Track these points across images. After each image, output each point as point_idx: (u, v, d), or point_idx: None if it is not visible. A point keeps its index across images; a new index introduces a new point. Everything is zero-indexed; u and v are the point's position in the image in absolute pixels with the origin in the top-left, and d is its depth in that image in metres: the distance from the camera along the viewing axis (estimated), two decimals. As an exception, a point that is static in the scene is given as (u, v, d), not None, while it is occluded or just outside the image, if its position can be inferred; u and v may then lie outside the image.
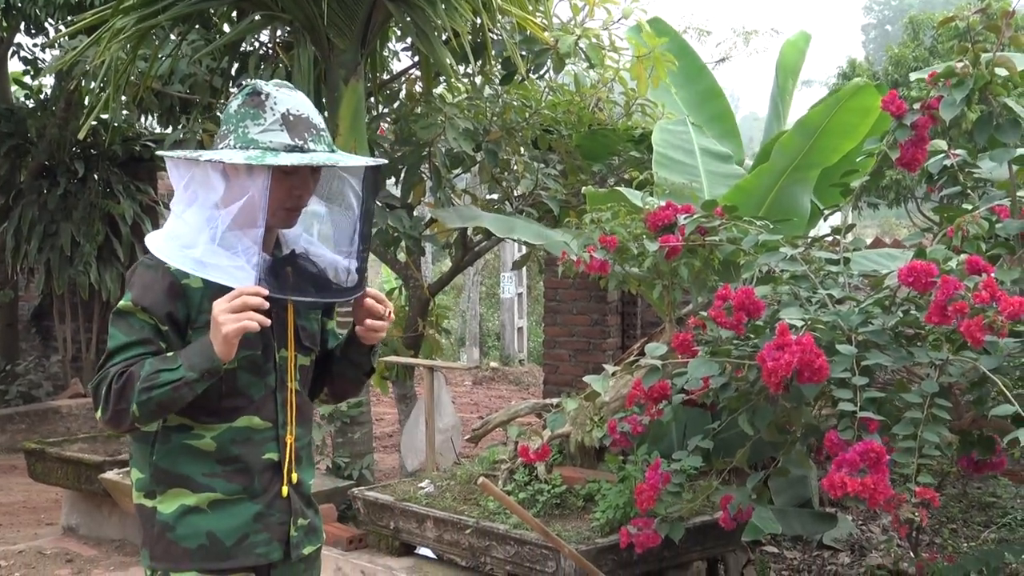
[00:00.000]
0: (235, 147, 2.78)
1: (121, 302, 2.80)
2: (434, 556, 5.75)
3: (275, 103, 2.80)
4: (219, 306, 2.63)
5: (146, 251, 2.85)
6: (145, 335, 2.75)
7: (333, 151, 2.86)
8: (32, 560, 6.82)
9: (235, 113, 2.83)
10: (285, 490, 2.89)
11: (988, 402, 4.05)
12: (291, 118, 2.80)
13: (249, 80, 2.93)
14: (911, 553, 6.18)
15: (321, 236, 2.99)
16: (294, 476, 2.92)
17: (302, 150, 2.77)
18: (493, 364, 17.29)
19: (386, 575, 5.56)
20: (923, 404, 3.87)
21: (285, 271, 2.83)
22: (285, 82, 2.91)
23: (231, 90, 8.34)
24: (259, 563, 2.86)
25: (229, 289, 2.68)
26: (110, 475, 6.83)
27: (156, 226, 10.78)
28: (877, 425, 3.87)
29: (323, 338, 3.13)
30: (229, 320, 2.61)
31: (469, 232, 8.81)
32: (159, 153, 2.86)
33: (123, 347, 2.74)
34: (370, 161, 2.86)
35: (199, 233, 2.75)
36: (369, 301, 2.91)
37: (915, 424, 3.85)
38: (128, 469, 6.82)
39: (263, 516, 2.86)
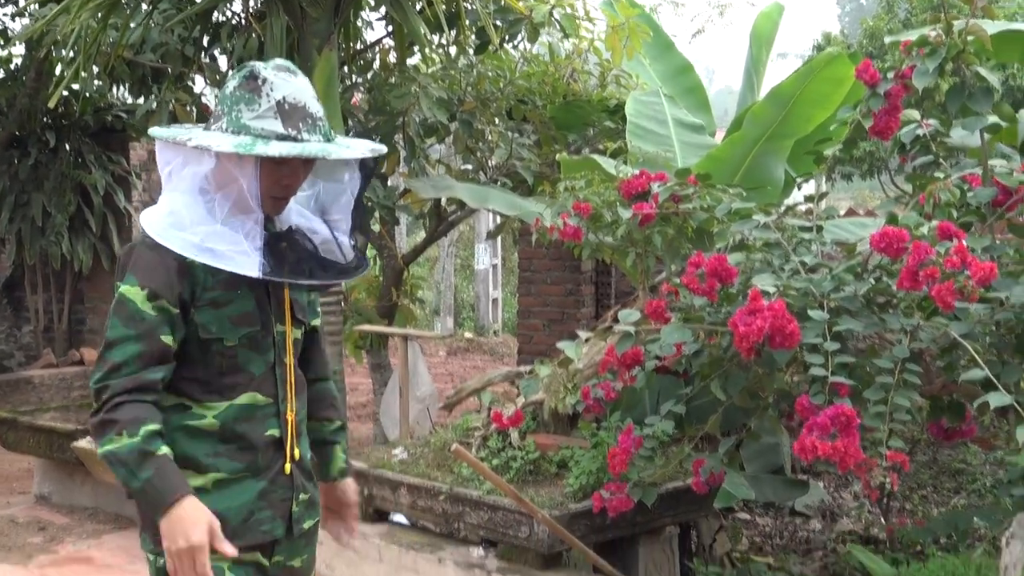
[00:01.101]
0: (227, 131, 2.74)
1: (123, 286, 2.71)
2: (408, 523, 5.77)
3: (271, 89, 2.74)
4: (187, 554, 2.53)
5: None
6: (146, 328, 2.66)
7: (330, 140, 2.79)
8: (4, 528, 6.81)
9: (230, 95, 2.77)
10: (288, 467, 2.87)
11: (958, 368, 4.10)
12: (286, 106, 2.73)
13: (249, 62, 2.86)
14: (882, 519, 6.25)
15: (315, 210, 2.95)
16: (296, 452, 2.90)
17: (295, 140, 2.72)
18: (467, 335, 17.30)
19: (360, 541, 5.57)
20: (894, 369, 3.90)
21: (283, 250, 2.79)
22: (287, 64, 2.83)
23: (203, 60, 8.29)
24: (264, 541, 2.83)
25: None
26: (83, 444, 6.82)
27: (128, 197, 10.72)
28: (848, 390, 3.91)
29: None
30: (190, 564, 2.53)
31: (443, 202, 8.80)
32: (151, 132, 2.81)
33: (122, 341, 2.65)
34: (365, 153, 2.81)
35: (195, 215, 2.71)
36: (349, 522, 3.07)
37: (886, 389, 3.89)
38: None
39: (267, 493, 2.83)
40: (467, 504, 5.28)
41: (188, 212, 2.71)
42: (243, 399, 2.80)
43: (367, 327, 8.45)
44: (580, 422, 5.61)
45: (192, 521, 2.52)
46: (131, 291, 2.68)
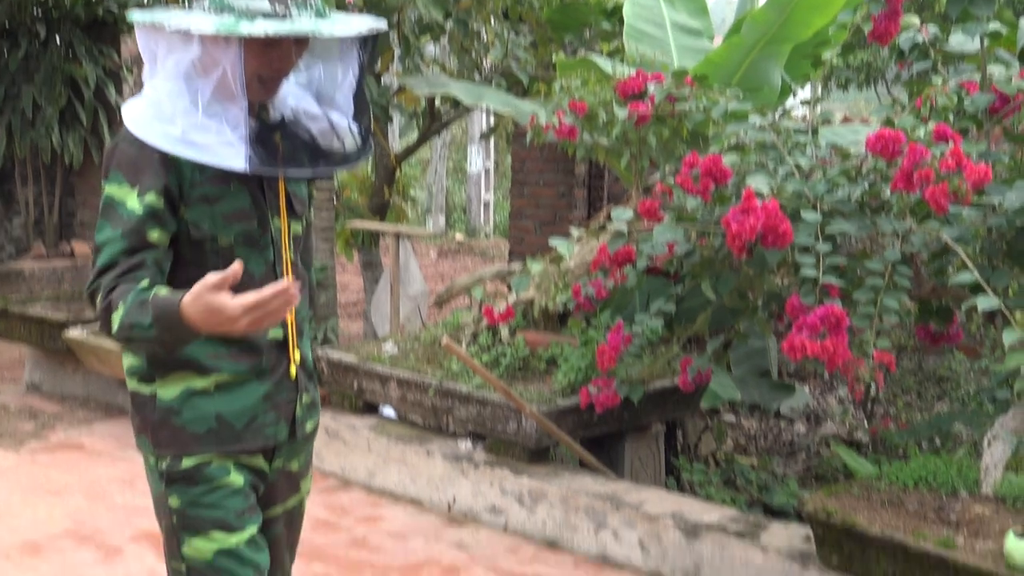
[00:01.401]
0: (208, 10, 2.48)
1: (108, 186, 2.55)
2: (396, 416, 5.83)
3: None
4: (248, 303, 2.30)
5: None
6: (132, 225, 2.50)
7: (323, 16, 2.54)
8: (-4, 416, 6.86)
9: None
10: (293, 370, 2.74)
11: (949, 273, 4.12)
12: None
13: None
14: (865, 423, 6.33)
15: (312, 95, 2.72)
16: (297, 354, 2.76)
17: (282, 17, 2.46)
18: (459, 236, 17.29)
19: (349, 433, 5.64)
20: (885, 272, 3.92)
21: (275, 140, 2.59)
22: None
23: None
24: (267, 445, 2.72)
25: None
26: (75, 333, 6.84)
27: (119, 91, 10.61)
28: (838, 291, 3.93)
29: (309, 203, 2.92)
30: (253, 321, 2.32)
31: (437, 102, 8.74)
32: (130, 17, 2.55)
33: (109, 242, 2.51)
34: (362, 30, 2.55)
35: (177, 105, 2.50)
36: None
37: (876, 291, 3.91)
38: (91, 327, 6.83)
39: (271, 396, 2.70)
40: (456, 398, 5.33)
41: (172, 102, 2.51)
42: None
43: (359, 223, 8.44)
44: (570, 320, 5.64)
45: (207, 309, 2.32)
46: (115, 190, 2.54)
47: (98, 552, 4.81)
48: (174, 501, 2.64)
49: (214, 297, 2.30)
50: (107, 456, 6.10)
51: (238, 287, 2.46)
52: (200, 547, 2.62)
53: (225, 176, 2.57)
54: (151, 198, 2.52)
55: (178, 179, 2.55)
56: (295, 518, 2.94)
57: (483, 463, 5.16)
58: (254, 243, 2.65)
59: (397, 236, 7.62)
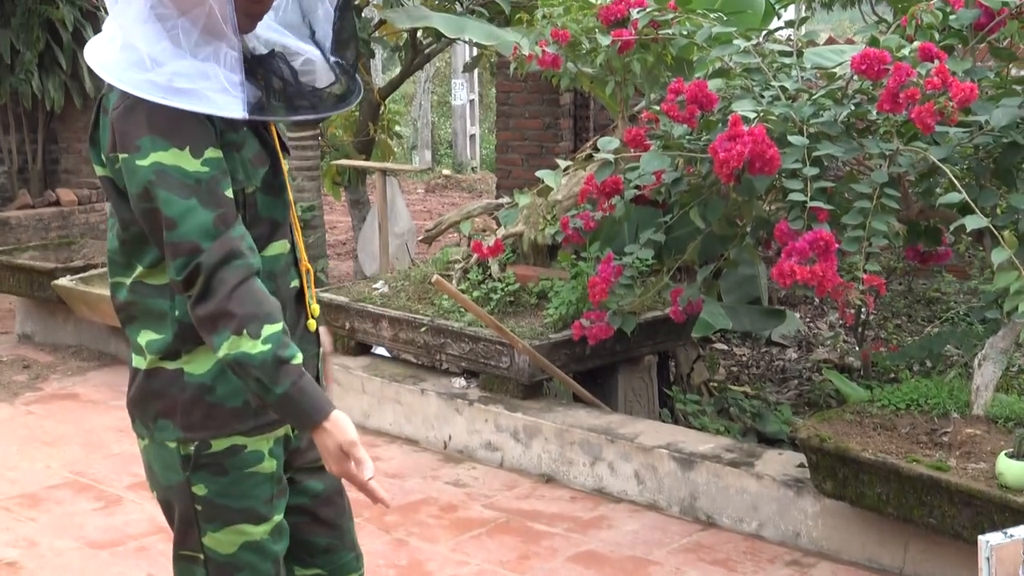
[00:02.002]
0: None
1: (156, 156, 2.21)
2: (389, 355, 5.83)
3: None
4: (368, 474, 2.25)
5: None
6: (206, 188, 2.23)
7: None
8: (-11, 367, 6.85)
9: None
10: (312, 323, 2.52)
11: (936, 193, 4.11)
12: None
13: None
14: (856, 348, 6.34)
15: (290, 26, 2.49)
16: (316, 307, 2.54)
17: None
18: (445, 172, 17.22)
19: (342, 373, 5.63)
20: (872, 194, 3.91)
21: (263, 81, 2.36)
22: None
23: None
24: None
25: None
26: (63, 282, 6.80)
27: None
28: (827, 215, 3.91)
29: None
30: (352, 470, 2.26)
31: (419, 34, 8.65)
32: None
33: (185, 215, 2.21)
34: None
35: (156, 48, 2.23)
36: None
37: (864, 214, 3.90)
38: (83, 276, 6.80)
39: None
40: (448, 336, 5.32)
41: (146, 44, 2.23)
42: (271, 250, 2.41)
43: (345, 162, 8.39)
44: (559, 254, 5.62)
45: (347, 445, 2.25)
46: (169, 156, 2.21)
47: (97, 501, 4.81)
48: (200, 490, 2.39)
49: (359, 447, 2.26)
50: (102, 405, 6.10)
51: (262, 234, 2.37)
52: (224, 540, 2.42)
53: (233, 120, 2.30)
54: (212, 153, 2.25)
55: (213, 127, 2.28)
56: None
57: (477, 400, 5.17)
58: (272, 188, 2.41)
59: (383, 173, 7.58)
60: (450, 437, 5.24)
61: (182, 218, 2.20)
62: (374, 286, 6.01)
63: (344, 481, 2.43)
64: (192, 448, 2.37)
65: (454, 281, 5.59)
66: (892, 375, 5.74)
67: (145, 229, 2.30)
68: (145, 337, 2.39)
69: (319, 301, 2.73)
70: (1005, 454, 3.52)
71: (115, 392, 6.24)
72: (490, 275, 5.60)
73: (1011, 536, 2.60)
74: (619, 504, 4.65)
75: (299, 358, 2.24)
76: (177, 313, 2.33)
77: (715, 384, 5.91)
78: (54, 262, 7.31)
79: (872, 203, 3.88)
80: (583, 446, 4.78)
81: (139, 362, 2.42)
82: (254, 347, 2.18)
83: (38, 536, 4.49)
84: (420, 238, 6.92)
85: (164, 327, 2.36)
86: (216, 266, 2.20)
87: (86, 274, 6.83)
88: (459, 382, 5.35)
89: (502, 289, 5.46)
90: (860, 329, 6.41)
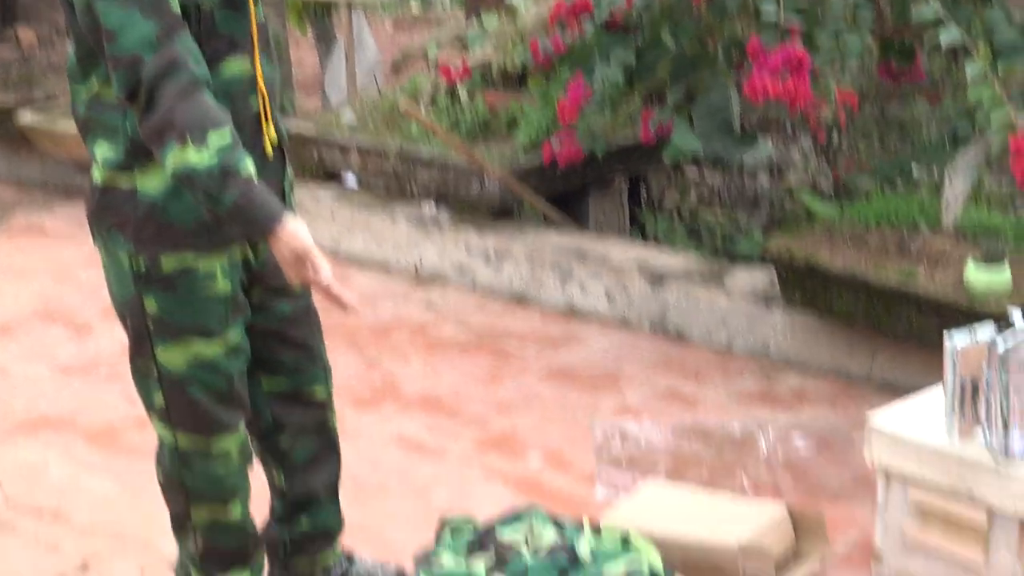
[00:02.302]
0: None
1: None
2: (358, 185, 5.78)
3: None
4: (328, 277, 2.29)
5: None
6: (163, 3, 2.20)
7: None
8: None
9: None
10: (269, 148, 2.48)
11: (911, 10, 4.05)
12: None
13: None
14: (829, 171, 6.33)
15: None
16: (271, 129, 2.49)
17: None
18: (413, 4, 16.88)
19: (312, 203, 5.59)
20: (845, 10, 3.86)
21: None
22: None
23: None
24: None
25: None
26: (26, 119, 6.70)
27: None
28: (800, 33, 3.87)
29: None
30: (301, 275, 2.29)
31: None
32: None
33: (126, 26, 2.18)
34: None
35: None
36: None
37: (837, 31, 3.86)
38: (46, 112, 6.69)
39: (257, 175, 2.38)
40: (418, 163, 5.29)
41: None
42: (227, 71, 2.37)
43: (309, -7, 8.21)
44: (529, 80, 5.56)
45: (303, 252, 2.26)
46: None
47: (68, 329, 4.83)
48: (151, 305, 2.44)
49: (315, 252, 2.27)
50: (70, 238, 6.05)
51: (217, 50, 2.34)
52: (175, 354, 2.47)
53: None
54: None
55: None
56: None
57: (447, 225, 5.16)
58: (232, 2, 2.37)
59: (349, 6, 7.44)
60: (421, 260, 5.25)
61: (122, 30, 2.18)
62: (341, 116, 5.94)
63: (314, 294, 2.46)
64: (142, 263, 2.43)
65: (422, 108, 5.53)
66: (863, 197, 5.74)
67: (92, 44, 2.28)
68: (100, 151, 2.41)
69: (289, 134, 2.70)
70: (972, 260, 3.55)
71: (82, 225, 6.10)
72: (459, 102, 5.54)
73: (977, 341, 2.65)
74: (590, 322, 4.70)
75: (249, 167, 2.23)
76: (128, 128, 2.34)
77: (687, 208, 5.91)
78: (15, 97, 7.18)
79: (846, 20, 3.84)
80: (553, 266, 4.80)
81: (97, 175, 2.45)
82: (199, 158, 2.18)
83: (10, 364, 4.53)
84: (389, 69, 6.82)
85: (117, 141, 2.38)
86: (158, 77, 2.19)
87: (49, 112, 6.70)
88: (429, 208, 5.32)
89: (471, 115, 5.40)
90: (832, 152, 6.39)
